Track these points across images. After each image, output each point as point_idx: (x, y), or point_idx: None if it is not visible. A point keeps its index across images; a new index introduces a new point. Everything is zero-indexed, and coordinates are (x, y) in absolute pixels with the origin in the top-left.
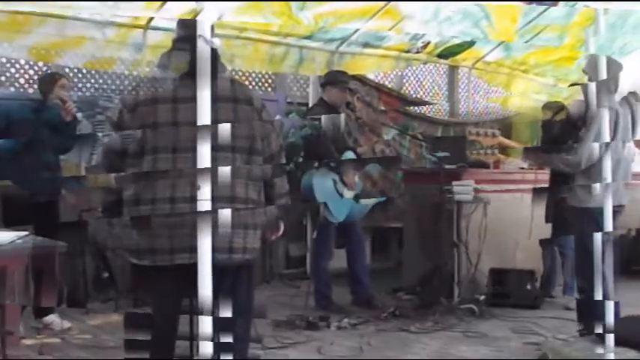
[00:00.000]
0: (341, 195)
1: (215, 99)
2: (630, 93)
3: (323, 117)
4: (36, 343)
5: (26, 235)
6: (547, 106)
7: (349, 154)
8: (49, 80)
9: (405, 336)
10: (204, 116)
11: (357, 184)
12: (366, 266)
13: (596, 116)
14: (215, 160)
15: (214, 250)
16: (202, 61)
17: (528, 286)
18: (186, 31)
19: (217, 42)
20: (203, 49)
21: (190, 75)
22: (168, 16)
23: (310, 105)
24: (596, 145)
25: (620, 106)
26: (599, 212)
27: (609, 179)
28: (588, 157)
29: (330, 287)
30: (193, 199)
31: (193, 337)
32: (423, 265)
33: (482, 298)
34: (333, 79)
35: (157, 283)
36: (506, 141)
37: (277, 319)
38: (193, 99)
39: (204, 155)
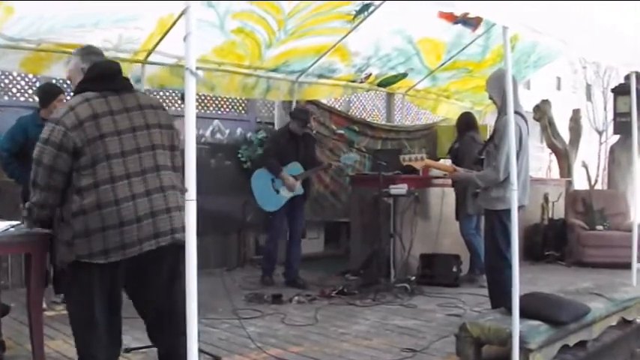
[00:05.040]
0: (277, 191)
1: (140, 107)
2: (543, 101)
3: (274, 136)
4: (56, 314)
5: (19, 224)
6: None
7: (295, 164)
8: (51, 92)
9: (351, 309)
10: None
11: (298, 187)
12: (297, 254)
13: (504, 136)
14: (155, 157)
15: (174, 230)
16: (189, 89)
17: (454, 268)
18: (100, 57)
19: (201, 74)
20: (189, 80)
21: (115, 91)
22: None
23: (276, 123)
24: (508, 161)
25: (522, 119)
26: (507, 213)
27: (515, 186)
28: (503, 173)
29: (273, 267)
30: (149, 193)
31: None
32: (365, 252)
33: (413, 278)
34: (296, 115)
35: (109, 279)
36: (432, 163)
37: (249, 295)
38: (126, 109)
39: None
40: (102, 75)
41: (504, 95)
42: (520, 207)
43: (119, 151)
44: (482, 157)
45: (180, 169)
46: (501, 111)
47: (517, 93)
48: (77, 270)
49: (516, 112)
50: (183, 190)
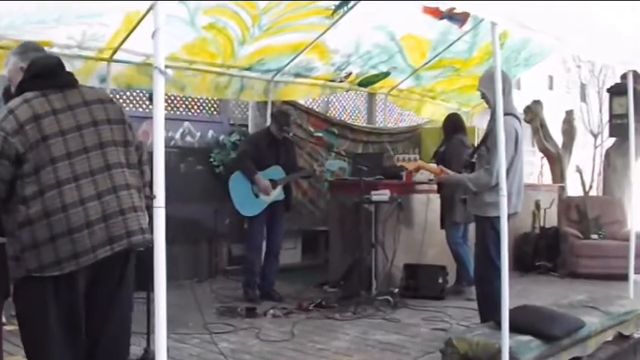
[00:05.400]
0: (256, 195)
1: (86, 103)
2: (534, 102)
3: (252, 138)
4: (16, 329)
5: None
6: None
7: (276, 168)
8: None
9: (330, 323)
10: (158, 129)
11: (276, 192)
12: (275, 265)
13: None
14: (104, 156)
15: (130, 233)
16: (157, 89)
17: (440, 280)
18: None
19: (170, 73)
20: (158, 79)
21: (57, 88)
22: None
23: (250, 125)
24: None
25: (517, 120)
26: (497, 220)
27: (505, 191)
28: (496, 177)
29: (256, 280)
30: (100, 195)
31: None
32: (345, 262)
33: (396, 290)
34: (276, 117)
35: (67, 289)
36: (425, 165)
37: (221, 308)
38: (70, 107)
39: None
40: (41, 72)
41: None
42: (514, 214)
43: (64, 152)
44: (473, 160)
45: (135, 166)
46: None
47: (511, 93)
48: (29, 286)
49: (512, 114)
50: (151, 196)
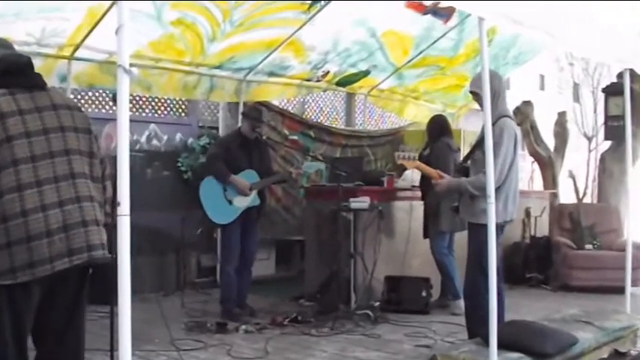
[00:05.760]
0: (229, 201)
1: (54, 107)
2: (524, 102)
3: (222, 141)
4: None
5: None
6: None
7: (250, 172)
8: None
9: (306, 339)
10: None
11: (251, 197)
12: (248, 277)
13: (501, 141)
14: (70, 163)
15: (91, 247)
16: (122, 88)
17: (423, 293)
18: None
19: (135, 71)
20: (122, 78)
21: (26, 88)
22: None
23: (220, 128)
24: (505, 169)
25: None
26: (496, 228)
27: (492, 199)
28: (497, 179)
29: (233, 292)
30: (62, 203)
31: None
32: (322, 274)
33: (377, 304)
34: (246, 112)
35: (27, 300)
36: (424, 167)
37: (190, 323)
38: (37, 109)
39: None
40: (9, 69)
41: (496, 97)
42: (511, 220)
43: (29, 155)
44: (467, 165)
45: (99, 180)
46: (493, 112)
47: (504, 94)
48: None
49: (508, 116)
50: (112, 214)
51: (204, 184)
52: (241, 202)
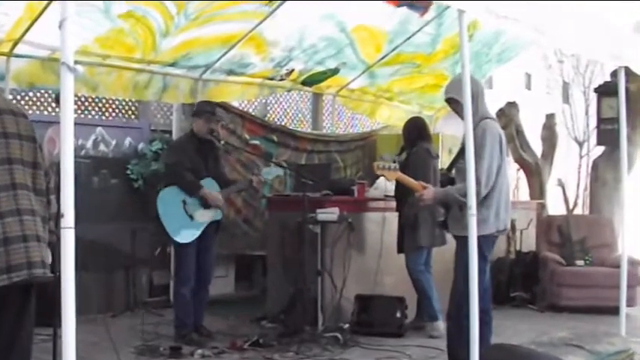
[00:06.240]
0: (191, 217)
1: None
2: (509, 104)
3: (178, 145)
4: None
5: None
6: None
7: (209, 181)
8: None
9: None
10: (66, 136)
11: (215, 211)
12: (205, 296)
13: (484, 144)
14: (11, 173)
15: (31, 265)
16: (65, 87)
17: (398, 314)
18: None
19: (80, 69)
20: (66, 77)
21: None
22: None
23: (174, 132)
24: (492, 172)
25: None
26: (487, 239)
27: (474, 210)
28: (485, 184)
29: (190, 316)
30: (2, 216)
31: None
32: (286, 293)
33: (346, 326)
34: (199, 110)
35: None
36: (405, 178)
37: (141, 347)
38: None
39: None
40: None
41: (475, 99)
42: (504, 230)
43: None
44: (452, 175)
45: (43, 193)
46: (473, 117)
47: (484, 96)
48: None
49: (491, 118)
50: (56, 232)
51: (162, 197)
52: (203, 217)
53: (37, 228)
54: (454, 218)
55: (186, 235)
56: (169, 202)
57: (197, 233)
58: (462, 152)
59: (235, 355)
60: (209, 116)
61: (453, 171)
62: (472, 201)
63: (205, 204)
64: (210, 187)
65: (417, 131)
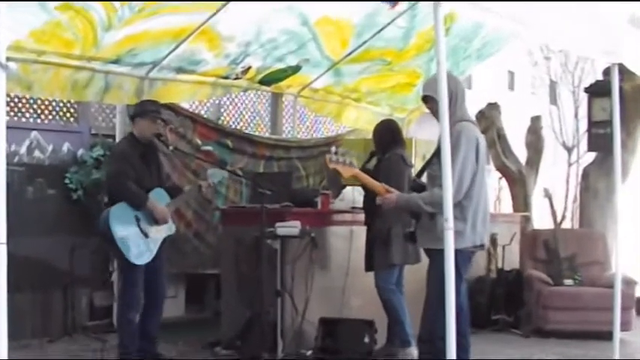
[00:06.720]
0: (146, 235)
1: None
2: (490, 105)
3: (121, 151)
4: None
5: None
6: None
7: (159, 192)
8: None
9: None
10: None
11: (169, 225)
12: (157, 319)
13: (458, 145)
14: None
15: None
16: None
17: (366, 339)
18: None
19: (13, 66)
20: None
21: None
22: None
23: (117, 136)
24: (464, 178)
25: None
26: (463, 254)
27: (451, 223)
28: (456, 192)
29: (136, 342)
30: None
31: None
32: (242, 315)
33: (309, 352)
34: (142, 109)
35: None
36: (363, 177)
37: None
38: None
39: None
40: None
41: (453, 100)
42: (481, 246)
43: None
44: (422, 182)
45: None
46: (450, 119)
47: (464, 97)
48: None
49: (469, 120)
50: None
51: (113, 215)
52: (158, 233)
53: None
54: (424, 229)
55: (143, 256)
56: (122, 219)
57: (154, 251)
58: (435, 157)
59: None
60: (154, 116)
61: (425, 177)
62: (449, 213)
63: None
64: (160, 198)
65: (390, 135)
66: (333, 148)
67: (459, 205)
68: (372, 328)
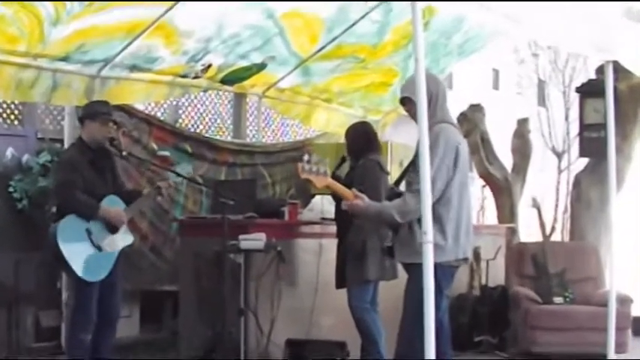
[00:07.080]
0: (98, 248)
1: None
2: (472, 106)
3: (68, 158)
4: None
5: None
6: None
7: (112, 199)
8: None
9: None
10: None
11: (121, 234)
12: (111, 339)
13: (436, 147)
14: None
15: None
16: None
17: None
18: None
19: None
20: None
21: None
22: None
23: (66, 140)
24: (439, 179)
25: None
26: (444, 269)
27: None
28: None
29: None
30: None
31: None
32: (203, 336)
33: None
34: (92, 111)
35: None
36: (335, 185)
37: None
38: None
39: None
40: None
41: (433, 101)
42: (464, 259)
43: None
44: (398, 190)
45: None
46: (430, 120)
47: (445, 98)
48: None
49: (450, 123)
50: None
51: (60, 230)
52: (113, 245)
53: None
54: (402, 242)
55: (96, 272)
56: (72, 234)
57: (109, 266)
58: (413, 163)
59: None
60: (105, 119)
61: (403, 185)
62: (428, 226)
63: (111, 227)
64: (114, 205)
65: (364, 139)
66: (306, 156)
67: (438, 216)
68: (344, 350)
